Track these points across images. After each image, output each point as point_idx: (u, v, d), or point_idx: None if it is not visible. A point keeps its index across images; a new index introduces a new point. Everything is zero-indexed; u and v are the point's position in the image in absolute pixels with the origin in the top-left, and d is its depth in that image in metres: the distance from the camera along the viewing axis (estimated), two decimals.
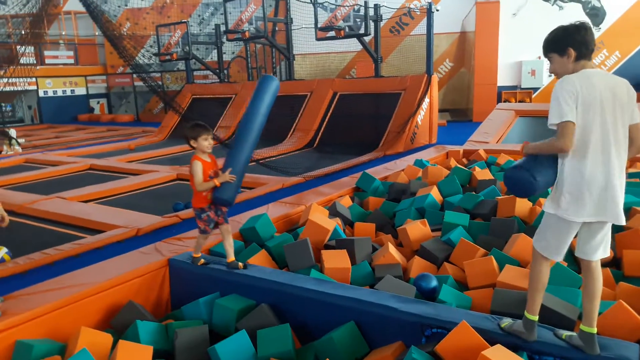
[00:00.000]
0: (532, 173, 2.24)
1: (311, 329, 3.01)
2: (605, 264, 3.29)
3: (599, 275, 2.24)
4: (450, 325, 2.47)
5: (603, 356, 2.17)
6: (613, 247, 3.36)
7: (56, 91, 20.91)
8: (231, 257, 3.35)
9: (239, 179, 3.28)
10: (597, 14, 14.75)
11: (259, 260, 3.63)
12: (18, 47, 13.06)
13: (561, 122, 2.12)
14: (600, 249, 2.23)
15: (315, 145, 11.02)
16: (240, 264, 3.33)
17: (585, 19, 14.74)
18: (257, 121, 3.47)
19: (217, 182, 3.17)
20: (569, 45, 2.18)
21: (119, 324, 3.09)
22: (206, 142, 3.20)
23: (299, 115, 12.00)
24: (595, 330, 2.21)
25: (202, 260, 3.45)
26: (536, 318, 2.32)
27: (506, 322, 2.43)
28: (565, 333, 2.33)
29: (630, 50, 14.62)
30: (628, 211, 4.05)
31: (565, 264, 3.14)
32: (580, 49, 2.18)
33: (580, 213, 2.15)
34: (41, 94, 20.40)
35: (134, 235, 5.07)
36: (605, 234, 2.22)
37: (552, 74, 2.32)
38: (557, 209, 2.20)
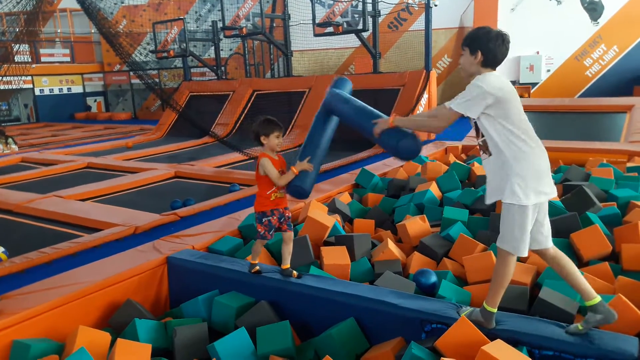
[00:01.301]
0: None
1: (311, 325, 3.00)
2: (603, 258, 3.29)
3: (561, 253, 2.35)
4: (450, 321, 2.46)
5: (602, 349, 2.17)
6: (612, 242, 3.36)
7: (52, 89, 20.82)
8: (286, 264, 3.12)
9: (316, 170, 3.10)
10: (595, 9, 14.72)
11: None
12: (13, 45, 12.99)
13: (448, 105, 2.36)
14: (550, 234, 2.37)
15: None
16: (295, 272, 3.11)
17: (583, 13, 14.75)
18: (333, 122, 3.37)
19: (295, 170, 2.97)
20: (479, 48, 2.29)
21: (117, 322, 3.08)
22: (277, 140, 3.00)
23: (298, 112, 11.96)
24: (599, 298, 2.28)
25: (257, 268, 3.22)
26: (496, 310, 2.38)
27: (466, 310, 2.49)
28: (579, 325, 2.30)
29: (628, 45, 14.59)
30: (626, 205, 4.05)
31: None
32: (488, 55, 2.29)
33: (537, 195, 2.25)
34: (37, 92, 20.30)
35: (132, 233, 5.05)
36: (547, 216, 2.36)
37: (459, 65, 2.44)
38: (516, 197, 2.24)
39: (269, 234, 3.07)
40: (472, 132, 2.47)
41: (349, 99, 3.27)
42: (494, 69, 2.34)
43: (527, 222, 2.26)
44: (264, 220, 3.04)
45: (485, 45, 2.27)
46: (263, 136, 3.01)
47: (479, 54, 2.29)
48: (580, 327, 2.29)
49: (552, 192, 2.32)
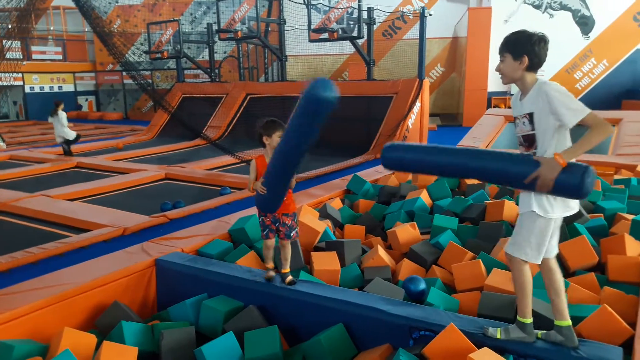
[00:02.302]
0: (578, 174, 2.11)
1: (299, 330, 2.99)
2: (589, 268, 3.32)
3: (558, 269, 2.35)
4: (438, 328, 2.47)
5: (587, 359, 2.19)
6: (598, 253, 3.40)
7: (43, 87, 20.65)
8: (285, 269, 3.09)
9: (273, 190, 2.91)
10: (586, 23, 14.95)
11: (248, 261, 3.60)
12: (4, 41, 12.88)
13: (590, 113, 2.10)
14: (557, 244, 2.36)
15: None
16: (288, 278, 3.06)
17: (575, 27, 14.97)
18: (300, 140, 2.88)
19: (250, 188, 3.03)
20: (526, 52, 2.23)
21: (103, 324, 3.05)
22: (279, 140, 2.96)
23: (290, 116, 11.96)
24: (570, 322, 2.29)
25: (271, 274, 3.13)
26: (531, 320, 2.34)
27: (496, 330, 2.38)
28: (539, 332, 2.35)
29: (618, 59, 14.84)
30: (613, 217, 4.10)
31: None
32: (534, 59, 2.23)
33: (564, 209, 2.22)
34: (27, 89, 20.13)
35: (120, 234, 5.01)
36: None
37: (498, 72, 2.34)
38: (543, 210, 2.21)
39: (264, 234, 3.08)
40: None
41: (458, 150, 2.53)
42: (536, 73, 2.29)
43: (547, 234, 2.24)
44: (259, 219, 3.10)
45: (531, 49, 2.21)
46: (265, 136, 3.01)
47: (525, 58, 2.22)
48: (498, 335, 2.34)
49: (576, 207, 2.28)
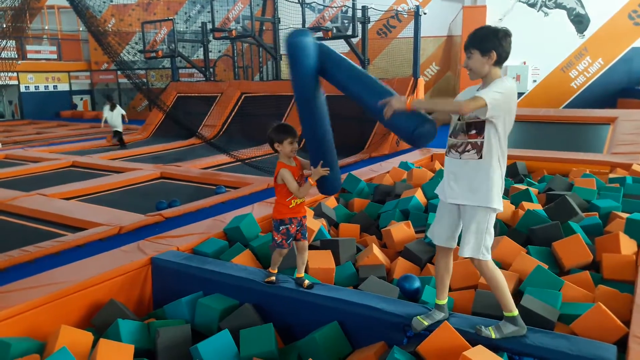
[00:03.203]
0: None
1: (294, 329, 3.00)
2: (584, 267, 3.35)
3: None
4: (432, 326, 2.49)
5: (582, 356, 2.21)
6: (593, 251, 3.42)
7: (38, 86, 20.56)
8: (300, 273, 3.07)
9: (334, 168, 2.95)
10: (581, 21, 15.00)
11: (243, 260, 3.61)
12: None
13: (480, 97, 2.21)
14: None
15: (301, 145, 11.00)
16: (306, 282, 3.03)
17: (570, 25, 15.01)
18: (322, 99, 2.99)
19: (312, 182, 2.90)
20: (493, 47, 2.27)
21: (100, 322, 3.06)
22: (291, 147, 2.92)
23: (285, 115, 11.97)
24: (516, 312, 2.39)
25: (272, 278, 3.10)
26: (517, 313, 2.40)
27: (489, 330, 2.40)
28: (490, 327, 2.40)
29: (613, 57, 14.89)
30: (608, 216, 4.13)
31: (546, 267, 3.18)
32: (501, 54, 2.28)
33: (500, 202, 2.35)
34: (22, 89, 20.02)
35: (116, 233, 5.01)
36: None
37: (466, 68, 2.38)
38: (496, 203, 2.32)
39: (287, 243, 2.99)
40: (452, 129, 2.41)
41: (341, 59, 2.82)
42: (500, 67, 2.33)
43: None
44: (281, 228, 2.97)
45: (499, 44, 2.26)
46: (277, 143, 2.93)
47: (494, 53, 2.26)
48: (493, 335, 2.38)
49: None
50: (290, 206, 2.96)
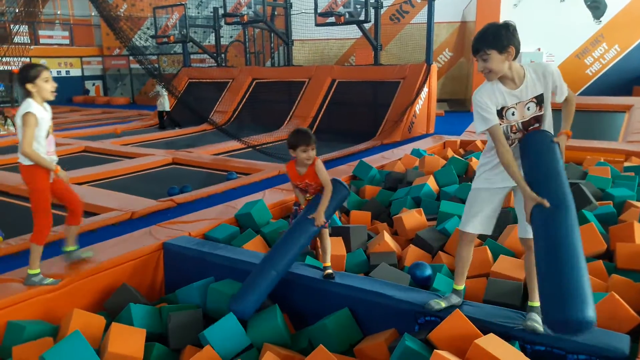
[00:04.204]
0: None
1: (306, 315, 3.01)
2: (598, 256, 3.31)
3: None
4: (443, 314, 2.48)
5: (594, 346, 2.19)
6: (606, 240, 3.38)
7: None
8: (326, 262, 3.01)
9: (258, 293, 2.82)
10: (598, 7, 14.67)
11: (255, 246, 3.62)
12: (12, 25, 12.87)
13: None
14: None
15: (312, 132, 10.98)
16: (328, 271, 2.96)
17: (586, 11, 14.70)
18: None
19: (319, 222, 2.90)
20: (511, 43, 2.23)
21: (112, 306, 3.09)
22: (304, 154, 2.87)
23: (297, 101, 11.93)
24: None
25: (331, 271, 2.98)
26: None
27: (530, 321, 2.36)
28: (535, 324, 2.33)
29: (630, 44, 14.57)
30: (622, 205, 4.07)
31: None
32: (518, 47, 2.26)
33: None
34: None
35: (128, 218, 5.04)
36: None
37: (483, 71, 2.30)
38: None
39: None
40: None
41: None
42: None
43: None
44: (294, 208, 3.22)
45: (513, 38, 2.24)
46: (291, 149, 2.93)
47: (512, 48, 2.23)
48: (442, 303, 2.51)
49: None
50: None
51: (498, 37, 2.22)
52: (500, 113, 2.34)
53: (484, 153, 2.52)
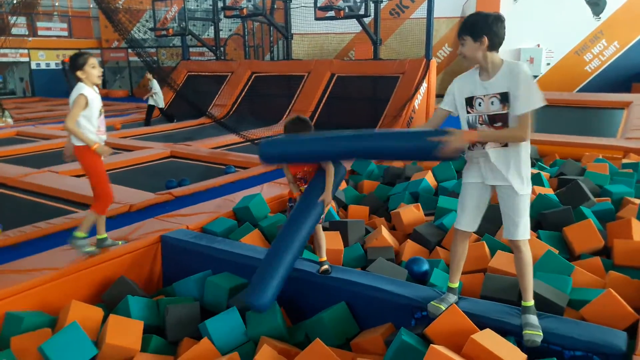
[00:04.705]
0: None
1: (303, 308, 3.02)
2: (595, 252, 3.32)
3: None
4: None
5: (591, 342, 2.20)
6: (604, 237, 3.39)
7: (49, 64, 20.58)
8: (322, 257, 3.02)
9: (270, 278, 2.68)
10: (597, 3, 14.64)
11: (252, 239, 3.63)
12: (9, 17, 12.79)
13: (528, 112, 2.23)
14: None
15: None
16: (325, 267, 2.95)
17: (585, 8, 14.66)
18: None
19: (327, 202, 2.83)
20: (484, 33, 2.26)
21: (110, 298, 3.09)
22: None
23: (296, 95, 11.90)
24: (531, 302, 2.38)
25: (327, 267, 2.97)
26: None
27: (437, 307, 2.45)
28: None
29: (629, 41, 14.55)
30: (620, 201, 4.07)
31: (556, 252, 3.16)
32: (493, 39, 2.28)
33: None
34: (33, 66, 20.08)
35: (126, 211, 5.04)
36: None
37: (460, 55, 2.38)
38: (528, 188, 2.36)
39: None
40: (476, 120, 2.35)
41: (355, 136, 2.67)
42: (497, 52, 2.32)
43: None
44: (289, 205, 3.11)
45: (489, 29, 2.26)
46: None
47: (485, 39, 2.26)
48: (442, 307, 2.45)
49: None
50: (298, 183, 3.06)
51: (474, 25, 2.29)
52: (470, 102, 2.37)
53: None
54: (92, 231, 3.36)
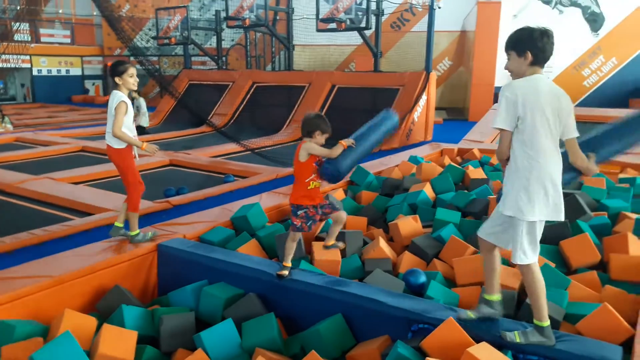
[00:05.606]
0: None
1: (299, 320, 3.00)
2: (592, 266, 3.31)
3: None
4: (436, 322, 2.47)
5: (587, 357, 2.19)
6: (600, 251, 3.38)
7: (50, 70, 20.67)
8: (329, 242, 3.34)
9: (356, 155, 3.20)
10: (595, 20, 14.78)
11: (249, 249, 3.61)
12: (12, 23, 12.86)
13: (498, 129, 2.30)
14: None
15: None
16: (281, 272, 3.04)
17: (584, 24, 14.80)
18: (379, 130, 3.53)
19: (344, 143, 3.11)
20: (528, 48, 2.27)
21: (104, 307, 3.07)
22: (323, 140, 3.08)
23: (296, 106, 11.94)
24: (500, 297, 2.43)
25: (286, 272, 3.03)
26: (549, 322, 2.34)
27: (514, 334, 2.34)
28: (516, 332, 2.33)
29: (627, 57, 14.68)
30: (617, 216, 4.08)
31: (553, 265, 3.15)
32: (538, 55, 2.28)
33: (537, 212, 2.26)
34: (35, 72, 20.15)
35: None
36: None
37: (507, 70, 2.40)
38: (529, 215, 2.28)
39: (307, 226, 3.08)
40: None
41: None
42: (543, 67, 2.32)
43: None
44: (299, 212, 3.06)
45: (534, 44, 2.26)
46: (318, 131, 3.05)
47: (529, 54, 2.27)
48: (471, 315, 2.45)
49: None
50: (309, 187, 3.03)
51: (518, 41, 2.30)
52: None
53: None
54: (142, 222, 3.74)
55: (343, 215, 3.23)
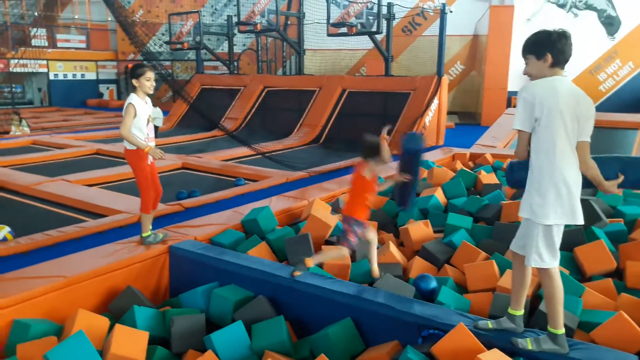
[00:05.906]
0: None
1: (308, 323, 3.00)
2: (607, 274, 3.26)
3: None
4: (447, 327, 2.46)
5: None
6: (616, 258, 3.33)
7: (66, 75, 20.98)
8: (375, 272, 3.29)
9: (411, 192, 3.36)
10: (612, 23, 14.62)
11: (259, 252, 3.62)
12: (30, 28, 13.09)
13: (517, 130, 2.30)
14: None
15: (321, 141, 10.99)
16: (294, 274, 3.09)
17: (600, 27, 14.65)
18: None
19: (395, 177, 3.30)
20: (548, 50, 2.25)
21: (116, 308, 3.10)
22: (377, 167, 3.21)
23: (307, 110, 11.97)
24: (562, 331, 2.28)
25: (300, 273, 3.09)
26: (564, 330, 2.31)
27: (526, 341, 2.31)
28: (528, 339, 2.31)
29: None
30: (633, 223, 4.02)
31: (567, 272, 3.12)
32: (558, 56, 2.25)
33: (550, 215, 2.23)
34: (51, 76, 20.46)
35: (136, 221, 5.06)
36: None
37: (526, 74, 2.37)
38: (543, 219, 2.24)
39: (357, 242, 3.16)
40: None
41: None
42: (563, 68, 2.29)
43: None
44: (358, 230, 3.12)
45: (553, 46, 2.24)
46: (375, 155, 3.21)
47: (549, 56, 2.25)
48: (490, 326, 2.42)
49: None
50: (367, 202, 3.16)
51: (536, 44, 2.28)
52: None
53: None
54: (155, 224, 3.80)
55: (371, 234, 3.28)
